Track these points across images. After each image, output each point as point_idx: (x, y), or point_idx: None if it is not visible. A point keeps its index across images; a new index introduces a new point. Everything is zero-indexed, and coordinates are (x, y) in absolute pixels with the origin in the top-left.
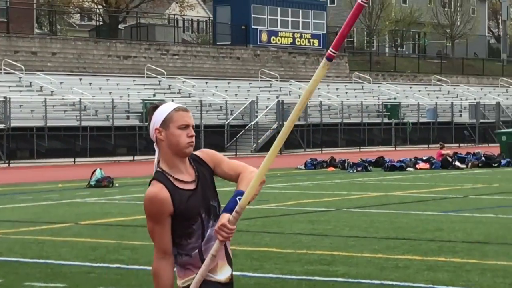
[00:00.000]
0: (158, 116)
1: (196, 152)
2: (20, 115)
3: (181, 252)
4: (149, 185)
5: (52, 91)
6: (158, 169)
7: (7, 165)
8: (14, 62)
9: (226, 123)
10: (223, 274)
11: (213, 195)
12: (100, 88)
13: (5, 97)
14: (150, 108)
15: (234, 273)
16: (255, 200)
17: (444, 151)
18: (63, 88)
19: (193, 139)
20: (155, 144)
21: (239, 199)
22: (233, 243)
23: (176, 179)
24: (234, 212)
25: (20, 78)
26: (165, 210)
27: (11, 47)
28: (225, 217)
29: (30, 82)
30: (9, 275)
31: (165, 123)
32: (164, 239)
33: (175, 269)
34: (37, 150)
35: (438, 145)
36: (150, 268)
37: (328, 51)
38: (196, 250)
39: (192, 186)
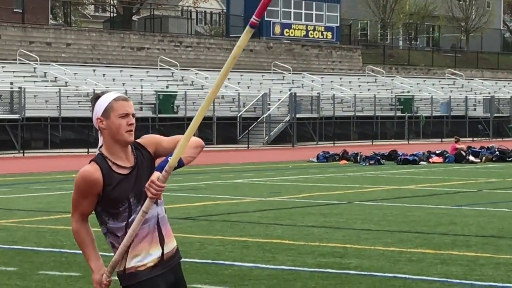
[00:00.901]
0: (100, 106)
1: (138, 140)
2: (35, 105)
3: (109, 232)
4: (88, 163)
5: (66, 82)
6: (99, 152)
7: (21, 155)
8: (29, 53)
9: (238, 115)
10: (148, 257)
11: None
12: (113, 79)
13: (20, 87)
14: (92, 98)
15: (246, 264)
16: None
17: (458, 145)
18: (77, 79)
19: (133, 127)
20: (99, 132)
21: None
22: (245, 234)
23: (114, 163)
24: (163, 171)
25: (34, 68)
26: (93, 190)
27: (26, 37)
28: (155, 175)
29: (45, 73)
30: (24, 264)
31: (106, 112)
32: (86, 208)
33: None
34: (51, 140)
35: (452, 139)
36: None
37: (252, 19)
38: (123, 232)
39: (126, 171)
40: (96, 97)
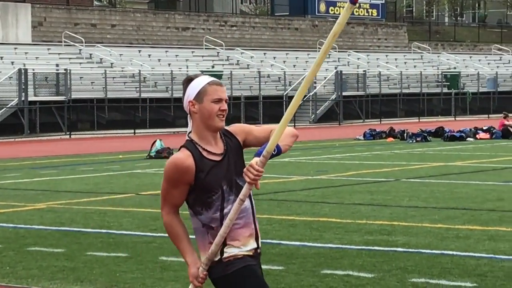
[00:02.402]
0: (193, 89)
1: (226, 127)
2: (81, 87)
3: (201, 223)
4: (178, 150)
5: (111, 63)
6: (188, 138)
7: (68, 136)
8: (74, 34)
9: (284, 94)
10: (248, 246)
11: (239, 171)
12: (159, 60)
13: (65, 69)
14: (185, 80)
15: (293, 242)
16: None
17: (507, 121)
18: (122, 60)
19: (225, 113)
20: (188, 116)
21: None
22: (292, 213)
23: (204, 149)
24: (261, 156)
25: (80, 50)
26: (186, 179)
27: (71, 19)
28: (253, 160)
29: (90, 54)
30: (71, 245)
31: (199, 96)
32: (177, 199)
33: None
34: (97, 122)
35: (500, 115)
36: None
37: None
38: (217, 223)
39: (218, 158)
40: (188, 80)
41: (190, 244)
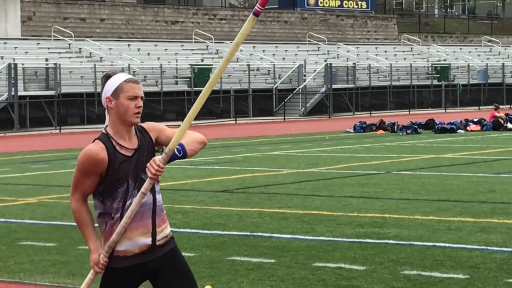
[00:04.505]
0: (110, 86)
1: (142, 124)
2: (70, 81)
3: (103, 212)
4: (93, 142)
5: (101, 57)
6: (104, 131)
7: (58, 131)
8: (63, 29)
9: (274, 87)
10: (136, 244)
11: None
12: (148, 54)
13: (55, 64)
14: (103, 76)
15: (285, 235)
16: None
17: (497, 113)
18: (112, 54)
19: (140, 109)
20: (106, 110)
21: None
22: (283, 206)
23: (118, 143)
24: (163, 153)
25: (69, 44)
26: (98, 170)
27: (60, 13)
28: (156, 157)
29: (80, 49)
30: (63, 239)
31: (116, 92)
32: (87, 187)
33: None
34: (87, 116)
35: (490, 107)
36: (202, 231)
37: (256, 7)
38: (118, 213)
39: (130, 153)
40: (107, 76)
41: (94, 231)
